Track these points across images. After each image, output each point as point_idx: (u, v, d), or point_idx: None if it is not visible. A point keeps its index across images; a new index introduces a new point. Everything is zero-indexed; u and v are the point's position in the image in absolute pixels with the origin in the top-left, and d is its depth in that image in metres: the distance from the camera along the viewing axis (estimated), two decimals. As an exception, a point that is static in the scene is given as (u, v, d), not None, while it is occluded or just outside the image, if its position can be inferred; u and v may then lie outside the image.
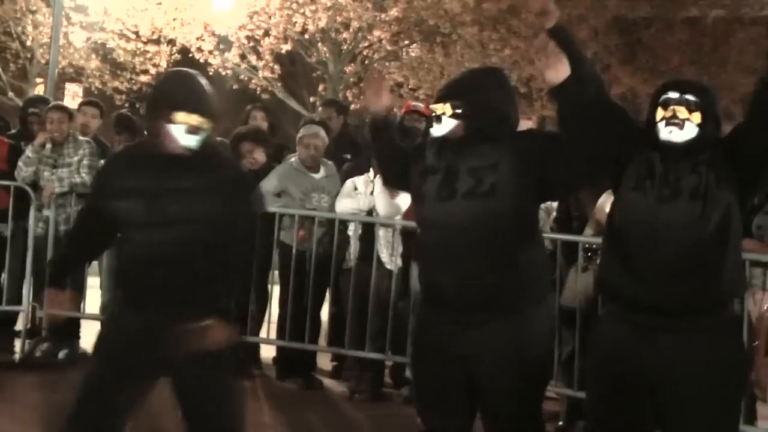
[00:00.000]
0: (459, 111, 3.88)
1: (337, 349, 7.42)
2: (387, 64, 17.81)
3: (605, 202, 5.50)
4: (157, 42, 18.06)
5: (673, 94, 3.72)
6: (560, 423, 6.44)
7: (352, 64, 17.87)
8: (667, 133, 3.68)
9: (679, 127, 3.66)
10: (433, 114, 3.95)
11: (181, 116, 3.81)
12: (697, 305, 3.66)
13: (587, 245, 6.18)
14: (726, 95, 15.86)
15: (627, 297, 3.75)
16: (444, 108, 3.92)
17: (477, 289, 3.80)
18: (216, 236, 3.83)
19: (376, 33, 17.03)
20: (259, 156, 7.41)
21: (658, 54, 17.23)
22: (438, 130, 3.96)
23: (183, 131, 3.81)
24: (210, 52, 17.62)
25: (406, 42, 17.85)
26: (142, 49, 18.34)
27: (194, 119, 3.82)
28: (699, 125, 3.67)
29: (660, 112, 3.71)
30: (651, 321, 3.67)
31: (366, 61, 17.99)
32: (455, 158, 3.89)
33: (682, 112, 3.67)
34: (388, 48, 17.38)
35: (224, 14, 17.16)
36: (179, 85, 3.94)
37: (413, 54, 18.03)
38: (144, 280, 3.86)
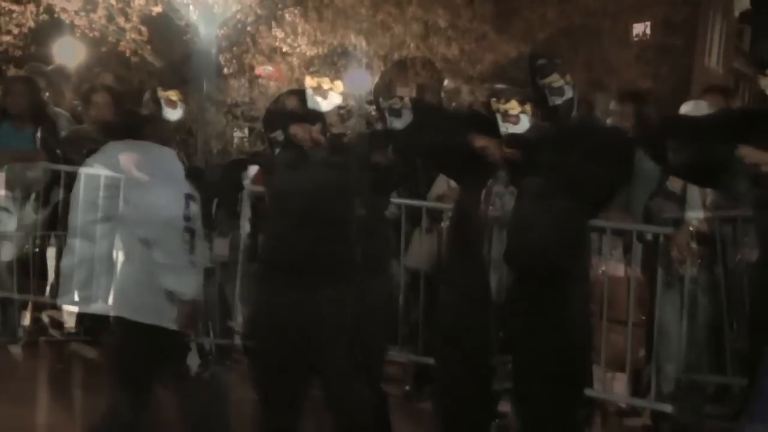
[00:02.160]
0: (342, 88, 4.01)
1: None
2: (260, 28, 17.55)
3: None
4: (19, 2, 17.39)
5: (503, 86, 3.83)
6: (407, 388, 6.38)
7: (225, 28, 17.52)
8: (504, 129, 3.79)
9: (513, 123, 3.75)
10: (320, 87, 3.97)
11: (160, 92, 4.12)
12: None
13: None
14: (598, 66, 16.15)
15: None
16: (333, 84, 3.98)
17: (313, 257, 3.82)
18: None
19: (247, -4, 16.72)
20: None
21: (532, 24, 17.42)
22: (324, 106, 4.02)
23: (165, 106, 4.14)
24: (75, 13, 17.01)
25: (280, 6, 17.60)
26: (6, 9, 17.64)
27: (165, 94, 4.13)
28: (533, 114, 3.75)
29: (494, 104, 3.80)
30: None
31: (239, 25, 17.68)
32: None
33: (513, 107, 3.75)
34: (258, 12, 17.12)
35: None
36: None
37: (288, 18, 17.77)
38: None
